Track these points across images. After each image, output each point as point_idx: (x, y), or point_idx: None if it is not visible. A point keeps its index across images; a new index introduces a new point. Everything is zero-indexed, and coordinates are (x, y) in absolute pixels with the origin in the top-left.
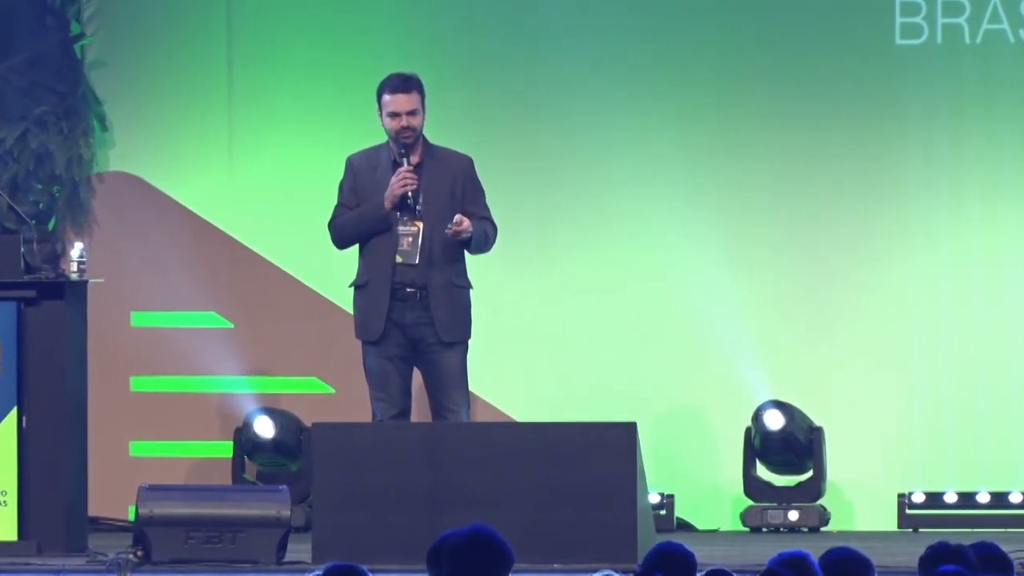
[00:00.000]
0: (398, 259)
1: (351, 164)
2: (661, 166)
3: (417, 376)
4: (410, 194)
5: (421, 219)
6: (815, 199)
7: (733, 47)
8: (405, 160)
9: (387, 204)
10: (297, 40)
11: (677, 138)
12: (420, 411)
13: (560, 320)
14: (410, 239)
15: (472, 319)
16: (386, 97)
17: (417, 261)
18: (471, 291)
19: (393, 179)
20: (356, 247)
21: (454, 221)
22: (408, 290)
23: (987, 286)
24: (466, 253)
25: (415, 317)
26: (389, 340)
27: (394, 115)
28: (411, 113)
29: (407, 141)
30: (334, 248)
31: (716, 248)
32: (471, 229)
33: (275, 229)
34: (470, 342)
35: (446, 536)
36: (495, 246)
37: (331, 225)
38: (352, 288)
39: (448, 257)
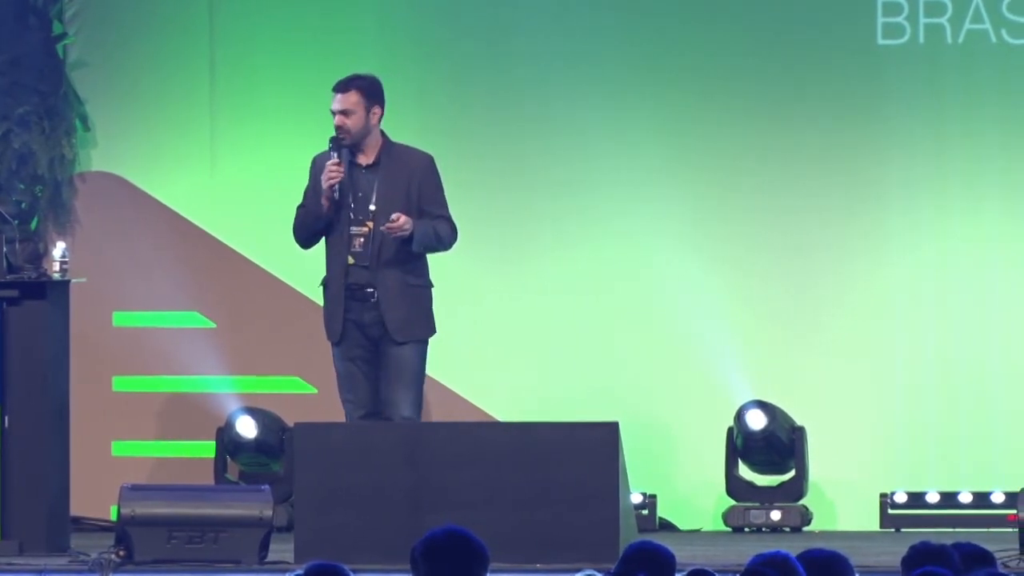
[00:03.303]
0: (350, 260)
1: (313, 163)
2: (643, 166)
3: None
4: (337, 187)
5: (372, 219)
6: (797, 199)
7: (714, 47)
8: (335, 154)
9: (323, 201)
10: (279, 40)
11: (659, 138)
12: None
13: (542, 320)
14: (362, 239)
15: (433, 317)
16: (333, 95)
17: (368, 262)
18: (432, 289)
19: (322, 175)
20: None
21: (391, 218)
22: (366, 290)
23: (969, 285)
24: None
25: (371, 317)
26: (350, 341)
27: (333, 113)
28: (343, 112)
29: (343, 141)
30: (319, 248)
31: (698, 248)
32: (409, 227)
33: (257, 229)
34: (437, 339)
35: (422, 539)
36: (490, 246)
37: (292, 225)
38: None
39: (402, 257)
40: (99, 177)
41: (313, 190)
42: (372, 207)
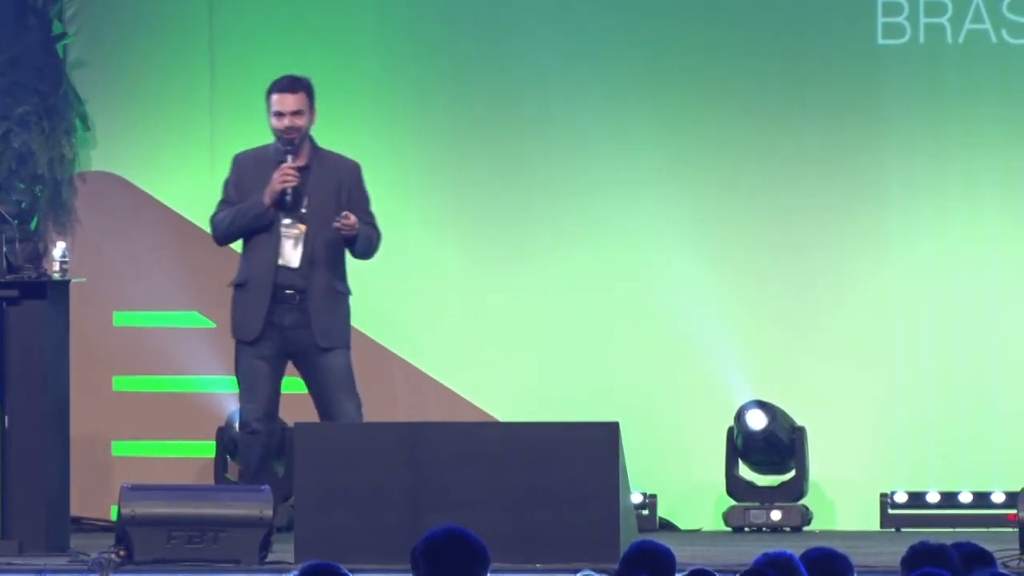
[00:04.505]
0: (279, 261)
1: (237, 161)
2: (642, 166)
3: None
4: (289, 191)
5: (304, 222)
6: (797, 199)
7: (714, 47)
8: (289, 157)
9: (266, 200)
10: (278, 39)
11: (658, 138)
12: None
13: (542, 320)
14: (292, 241)
15: (350, 325)
16: (273, 97)
17: (298, 264)
18: (350, 297)
19: (275, 175)
20: (240, 246)
21: (342, 215)
22: (288, 292)
23: (968, 286)
24: (347, 259)
25: (294, 320)
26: (266, 341)
27: (279, 114)
28: (295, 113)
29: (291, 141)
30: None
31: (698, 248)
32: (358, 227)
33: None
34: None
35: (422, 539)
36: (489, 246)
37: (212, 220)
38: (231, 287)
39: (330, 262)
40: (99, 177)
41: (236, 187)
42: (304, 209)
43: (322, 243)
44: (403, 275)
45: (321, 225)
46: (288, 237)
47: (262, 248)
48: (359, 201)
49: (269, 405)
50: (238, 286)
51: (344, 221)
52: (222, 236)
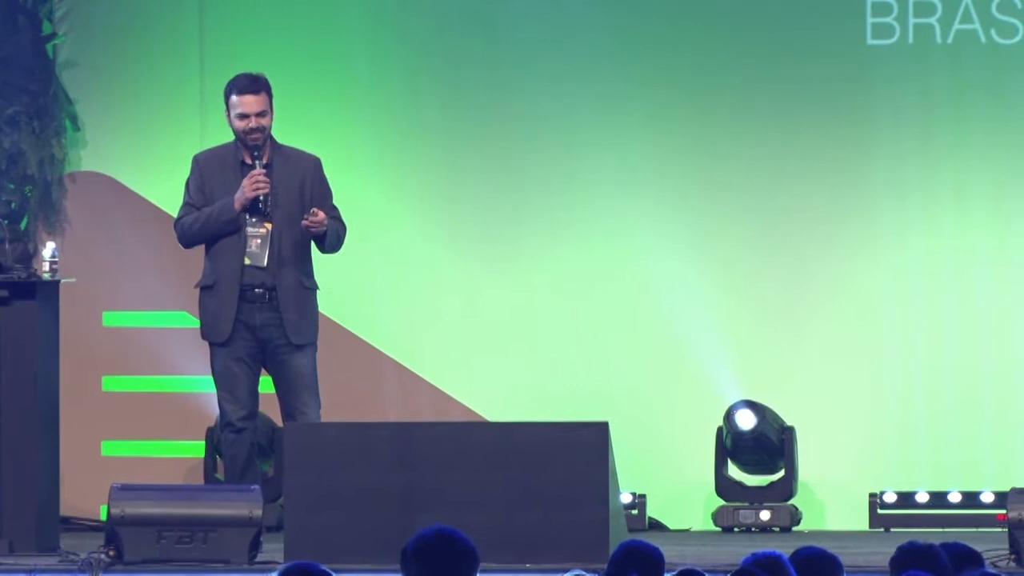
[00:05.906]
0: (247, 260)
1: (198, 163)
2: (634, 165)
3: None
4: (262, 197)
5: (270, 220)
6: (787, 199)
7: (704, 47)
8: (258, 163)
9: (237, 206)
10: (269, 40)
11: (650, 137)
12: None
13: (533, 320)
14: (259, 240)
15: (319, 320)
16: (234, 98)
17: (266, 263)
18: (318, 292)
19: (245, 182)
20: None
21: (310, 213)
22: (257, 291)
23: (958, 285)
24: (313, 255)
25: (264, 319)
26: (238, 342)
27: (243, 116)
28: (260, 114)
29: (256, 142)
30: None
31: (688, 248)
32: (326, 223)
33: None
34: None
35: (412, 539)
36: (480, 245)
37: (177, 224)
38: (198, 289)
39: (297, 258)
40: (89, 177)
41: (199, 190)
42: (268, 208)
43: (288, 240)
44: (394, 275)
45: (286, 222)
46: (254, 236)
47: (228, 249)
48: (322, 195)
49: (251, 404)
50: (205, 288)
51: (312, 219)
52: (190, 241)
